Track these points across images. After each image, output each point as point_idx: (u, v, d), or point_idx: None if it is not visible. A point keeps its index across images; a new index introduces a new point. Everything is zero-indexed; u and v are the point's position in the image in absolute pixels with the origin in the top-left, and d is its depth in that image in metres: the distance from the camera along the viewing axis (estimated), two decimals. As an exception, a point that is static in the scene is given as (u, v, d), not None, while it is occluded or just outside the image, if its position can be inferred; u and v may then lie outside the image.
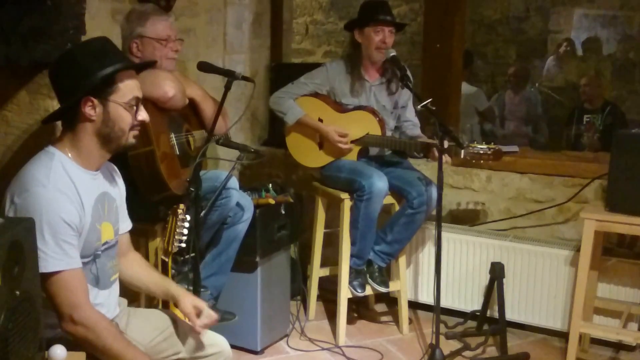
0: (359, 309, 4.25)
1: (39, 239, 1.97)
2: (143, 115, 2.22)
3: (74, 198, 2.10)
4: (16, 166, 2.39)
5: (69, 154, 2.16)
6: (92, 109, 2.13)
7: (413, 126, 3.91)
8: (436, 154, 3.40)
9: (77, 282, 2.09)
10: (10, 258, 1.62)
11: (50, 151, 2.16)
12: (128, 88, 2.17)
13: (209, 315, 2.34)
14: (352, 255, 3.77)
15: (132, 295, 2.65)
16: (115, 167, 2.42)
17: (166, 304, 2.60)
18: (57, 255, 2.03)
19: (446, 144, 3.41)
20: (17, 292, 1.66)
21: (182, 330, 2.39)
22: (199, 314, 2.32)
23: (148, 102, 2.92)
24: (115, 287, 2.36)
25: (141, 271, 2.46)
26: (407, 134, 3.88)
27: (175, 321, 2.41)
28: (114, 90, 2.14)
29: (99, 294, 2.25)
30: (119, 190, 2.39)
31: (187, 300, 2.35)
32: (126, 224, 2.46)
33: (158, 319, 2.42)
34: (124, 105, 2.16)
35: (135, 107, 2.19)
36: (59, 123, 2.43)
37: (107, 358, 2.10)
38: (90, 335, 2.07)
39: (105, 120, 2.15)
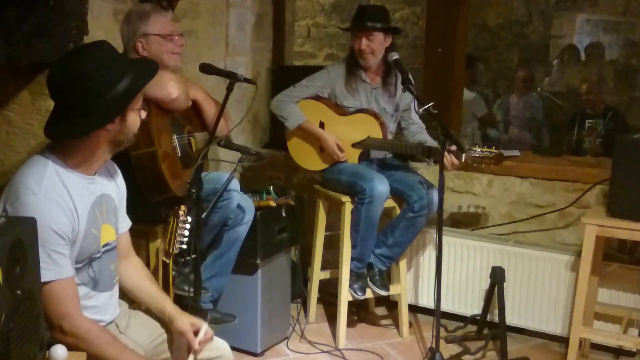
0: (359, 312, 4.24)
1: None
2: (143, 113, 2.23)
3: (67, 207, 2.07)
4: (18, 166, 2.39)
5: (67, 160, 2.12)
6: (112, 124, 2.12)
7: (421, 129, 3.89)
8: (452, 159, 3.41)
9: (67, 292, 2.07)
10: (11, 257, 1.62)
11: (45, 156, 2.11)
12: (139, 99, 2.18)
13: (207, 333, 2.31)
14: (352, 259, 3.77)
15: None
16: (116, 166, 2.40)
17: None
18: (46, 265, 2.00)
19: (453, 148, 3.42)
20: (19, 292, 1.66)
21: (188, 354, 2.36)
22: (196, 332, 2.29)
23: (151, 102, 2.93)
24: (116, 288, 2.35)
25: (141, 284, 2.43)
26: (415, 138, 3.86)
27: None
28: (133, 101, 2.14)
29: (97, 297, 2.23)
30: (118, 190, 2.37)
31: (184, 319, 2.32)
32: (125, 223, 2.44)
33: (157, 320, 2.41)
34: (136, 110, 2.17)
35: (141, 108, 2.20)
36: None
37: None
38: (81, 345, 2.05)
39: (122, 128, 2.15)
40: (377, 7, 3.83)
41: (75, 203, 2.10)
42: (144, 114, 2.22)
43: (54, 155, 2.12)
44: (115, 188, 2.36)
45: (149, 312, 2.43)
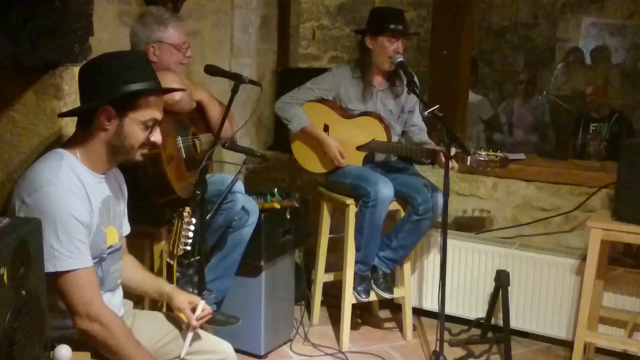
0: (363, 314, 4.23)
1: (52, 238, 1.98)
2: (157, 137, 2.21)
3: (83, 197, 2.11)
4: (22, 167, 2.39)
5: (78, 155, 2.16)
6: (107, 120, 2.13)
7: (420, 131, 3.90)
8: (443, 160, 3.40)
9: (92, 279, 2.09)
10: (16, 258, 1.62)
11: (58, 152, 2.16)
12: (149, 108, 2.15)
13: (204, 309, 2.34)
14: (356, 261, 3.76)
15: (136, 297, 2.64)
16: (121, 173, 2.42)
17: (170, 307, 2.59)
18: (72, 254, 2.03)
19: (453, 150, 3.41)
20: (23, 292, 1.65)
21: (186, 333, 2.38)
22: (194, 309, 2.33)
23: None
24: (120, 290, 2.37)
25: (134, 273, 2.47)
26: (414, 140, 3.87)
27: (179, 324, 2.41)
28: (134, 107, 2.13)
29: (104, 296, 2.24)
30: (122, 196, 2.40)
31: (181, 296, 2.37)
32: (126, 228, 2.46)
33: (162, 321, 2.42)
34: (140, 124, 2.15)
35: (150, 128, 2.18)
36: (68, 125, 2.43)
37: (117, 357, 2.09)
38: (104, 333, 2.07)
39: (118, 134, 2.14)
40: (402, 12, 3.82)
41: (90, 196, 2.14)
42: (157, 137, 2.20)
43: (67, 150, 2.17)
44: (121, 194, 2.39)
45: (152, 312, 2.44)
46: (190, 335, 2.32)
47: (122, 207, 2.39)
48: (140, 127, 2.15)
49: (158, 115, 2.19)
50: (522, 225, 4.08)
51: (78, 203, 2.07)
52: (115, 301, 2.32)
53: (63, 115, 2.29)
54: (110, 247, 2.26)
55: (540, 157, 4.62)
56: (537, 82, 6.61)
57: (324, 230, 4.00)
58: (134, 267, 2.49)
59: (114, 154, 2.18)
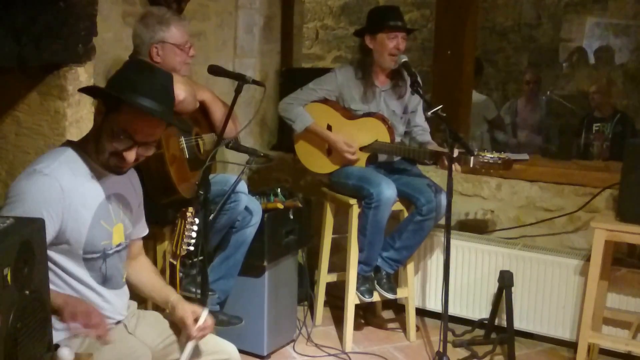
0: (366, 315, 4.23)
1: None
2: (128, 157, 2.12)
3: (70, 191, 2.09)
4: (26, 167, 2.39)
5: (89, 148, 2.17)
6: (98, 113, 2.16)
7: (423, 131, 3.89)
8: (446, 162, 3.39)
9: None
10: (20, 258, 1.62)
11: (66, 145, 2.19)
12: (124, 120, 2.09)
13: (207, 320, 2.31)
14: (359, 262, 3.76)
15: (141, 297, 2.64)
16: (135, 174, 2.42)
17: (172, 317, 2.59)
18: None
19: (456, 152, 3.40)
20: (27, 292, 1.66)
21: (185, 343, 2.37)
22: (196, 319, 2.30)
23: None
24: (126, 289, 2.37)
25: (146, 277, 2.47)
26: (417, 140, 3.87)
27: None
28: (115, 110, 2.10)
29: (106, 293, 2.25)
30: (135, 195, 2.40)
31: (185, 306, 2.34)
32: (143, 230, 2.48)
33: (166, 321, 2.42)
34: (110, 130, 2.10)
35: (120, 139, 2.11)
36: (72, 126, 2.45)
37: None
38: None
39: (99, 130, 2.14)
40: (398, 9, 3.82)
41: (85, 190, 2.14)
42: (128, 157, 2.12)
43: (77, 144, 2.19)
44: (133, 192, 2.39)
45: (157, 313, 2.44)
46: (190, 345, 2.27)
47: (135, 207, 2.38)
48: (109, 134, 2.11)
49: (132, 130, 2.10)
50: (525, 226, 4.07)
51: (55, 198, 2.05)
52: (120, 302, 2.32)
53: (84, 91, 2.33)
54: (118, 245, 2.27)
55: (543, 158, 4.61)
56: (541, 83, 6.59)
57: (327, 231, 4.00)
58: (147, 269, 2.50)
59: (97, 151, 2.16)
